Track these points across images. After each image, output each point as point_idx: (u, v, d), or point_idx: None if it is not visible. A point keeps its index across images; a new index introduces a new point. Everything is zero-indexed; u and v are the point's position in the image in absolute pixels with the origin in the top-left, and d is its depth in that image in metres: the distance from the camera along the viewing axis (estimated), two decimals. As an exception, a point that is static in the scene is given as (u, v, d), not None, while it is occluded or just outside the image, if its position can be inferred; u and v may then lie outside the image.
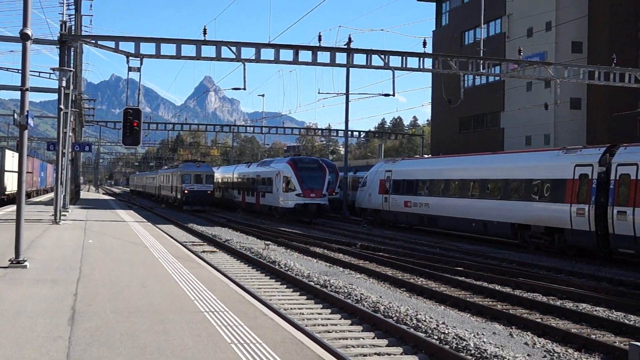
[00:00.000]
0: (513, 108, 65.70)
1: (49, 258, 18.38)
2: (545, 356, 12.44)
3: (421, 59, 35.79)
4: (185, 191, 62.03)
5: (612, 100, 56.97)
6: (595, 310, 16.88)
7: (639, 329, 14.46)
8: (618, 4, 59.63)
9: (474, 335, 13.39)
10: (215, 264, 22.90)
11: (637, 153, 25.77)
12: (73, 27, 48.17)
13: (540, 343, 13.35)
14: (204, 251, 27.73)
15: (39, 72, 43.47)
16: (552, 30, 62.92)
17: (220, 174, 72.70)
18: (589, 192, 27.13)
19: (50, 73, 39.83)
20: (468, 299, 17.88)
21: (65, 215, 35.23)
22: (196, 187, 62.16)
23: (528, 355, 12.34)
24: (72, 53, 36.42)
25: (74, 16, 51.46)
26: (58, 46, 32.99)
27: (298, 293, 18.46)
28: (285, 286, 19.64)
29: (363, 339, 13.29)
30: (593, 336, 13.94)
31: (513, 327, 14.84)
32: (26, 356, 8.50)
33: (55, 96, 33.34)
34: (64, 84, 32.17)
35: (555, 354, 12.52)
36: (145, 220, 38.63)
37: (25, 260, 16.40)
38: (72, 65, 36.21)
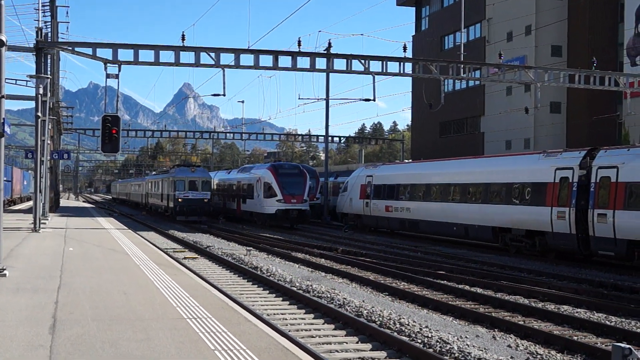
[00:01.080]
0: (493, 112, 66.02)
1: (29, 266, 18.28)
2: (528, 358, 12.51)
3: (401, 63, 35.89)
4: (179, 199, 53.91)
5: (592, 104, 57.40)
6: (577, 312, 17.00)
7: (620, 330, 14.58)
8: (597, 8, 60.11)
9: (457, 339, 13.44)
10: (197, 270, 22.85)
11: (617, 156, 25.96)
12: (49, 34, 47.96)
13: (523, 345, 13.42)
14: (185, 258, 27.66)
15: (16, 79, 43.30)
16: (532, 34, 63.29)
17: None
18: (570, 195, 27.30)
19: (27, 81, 39.64)
20: (450, 303, 17.94)
21: (45, 223, 35.05)
22: (191, 194, 54.06)
23: (511, 357, 12.39)
24: (48, 60, 36.28)
25: (50, 23, 51.27)
26: (34, 53, 32.82)
27: (281, 298, 18.47)
28: (267, 292, 19.63)
29: (347, 343, 13.31)
30: (575, 337, 14.05)
31: (496, 329, 14.91)
32: (8, 365, 8.46)
33: (32, 104, 33.22)
34: (41, 91, 32.08)
35: (539, 356, 12.60)
36: (126, 227, 38.49)
37: (5, 269, 16.29)
38: (49, 72, 36.07)
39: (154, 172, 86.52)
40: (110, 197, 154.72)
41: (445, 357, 12.01)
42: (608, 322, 15.68)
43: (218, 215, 59.45)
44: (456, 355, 12.13)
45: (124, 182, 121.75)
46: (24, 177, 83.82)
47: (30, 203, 75.18)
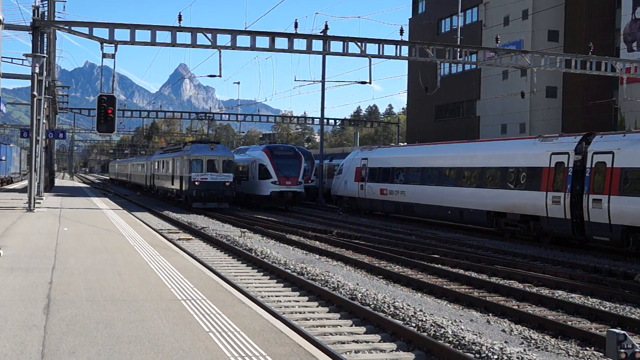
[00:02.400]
0: (489, 96, 66.00)
1: (23, 246, 18.21)
2: (522, 343, 12.51)
3: (398, 46, 35.72)
4: (196, 182, 46.03)
5: (588, 89, 57.39)
6: (571, 297, 17.02)
7: (614, 316, 14.57)
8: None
9: (452, 323, 13.44)
10: (192, 251, 22.84)
11: (613, 141, 25.92)
12: (46, 13, 47.70)
13: (517, 330, 13.42)
14: (179, 239, 27.62)
15: (12, 58, 42.96)
16: (528, 19, 63.23)
17: None
18: (565, 180, 27.28)
19: (23, 59, 39.39)
20: (445, 287, 17.93)
21: (39, 202, 34.97)
22: (210, 176, 46.27)
23: (505, 342, 12.38)
24: (45, 39, 36.04)
25: (46, 2, 51.02)
26: (30, 32, 32.63)
27: (275, 281, 18.45)
28: (262, 274, 19.61)
29: (341, 326, 13.29)
30: (569, 323, 14.04)
31: (490, 314, 14.91)
32: (0, 346, 8.41)
33: (28, 83, 33.07)
34: (37, 70, 31.90)
35: (533, 341, 12.59)
36: (120, 207, 38.39)
37: (-1, 249, 16.26)
38: (45, 51, 35.81)
39: (161, 150, 73.87)
40: (108, 177, 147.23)
41: (439, 341, 11.99)
42: (602, 308, 15.69)
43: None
44: (450, 339, 12.11)
45: (123, 161, 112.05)
46: (1, 152, 66.50)
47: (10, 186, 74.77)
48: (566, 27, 62.74)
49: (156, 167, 62.56)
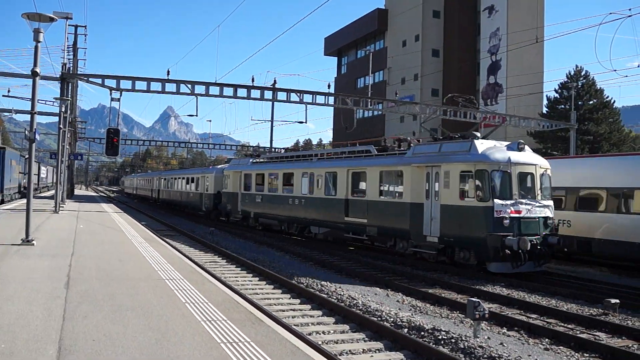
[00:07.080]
0: (390, 134, 66.75)
1: (50, 238, 17.78)
2: (410, 309, 12.69)
3: (326, 97, 35.96)
4: (504, 220, 15.92)
5: (459, 131, 58.56)
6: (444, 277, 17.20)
7: (471, 288, 14.79)
8: (462, 62, 61.61)
9: (362, 296, 13.51)
10: (175, 244, 22.57)
11: None
12: (71, 68, 46.79)
13: (407, 300, 13.58)
14: (166, 235, 27.26)
15: (45, 100, 42.02)
16: (418, 80, 64.49)
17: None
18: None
19: (53, 101, 38.57)
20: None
21: (62, 207, 34.13)
22: (526, 207, 16.43)
23: (399, 309, 12.55)
24: (69, 87, 35.34)
25: (71, 59, 50.18)
26: (59, 82, 32.07)
27: (234, 265, 18.40)
28: (225, 261, 19.52)
29: (282, 299, 13.30)
30: (443, 295, 14.23)
31: (389, 289, 15.04)
32: (34, 310, 8.30)
33: (56, 119, 32.39)
34: (63, 109, 31.37)
35: (418, 308, 12.79)
36: (122, 211, 37.68)
37: (33, 240, 15.88)
38: (69, 95, 35.10)
39: (265, 155, 35.69)
40: (120, 189, 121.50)
41: (354, 309, 12.05)
42: (454, 282, 15.88)
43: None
44: (361, 307, 12.16)
45: (146, 175, 74.77)
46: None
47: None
48: (444, 86, 64.13)
49: (255, 183, 31.57)
